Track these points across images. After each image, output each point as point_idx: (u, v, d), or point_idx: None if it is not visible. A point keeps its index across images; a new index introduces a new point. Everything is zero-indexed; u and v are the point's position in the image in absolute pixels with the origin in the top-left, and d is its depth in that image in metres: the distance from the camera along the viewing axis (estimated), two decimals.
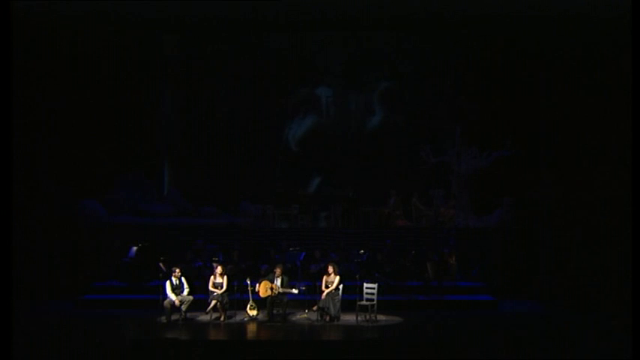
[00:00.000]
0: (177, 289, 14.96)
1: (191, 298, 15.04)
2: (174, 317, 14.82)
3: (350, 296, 15.69)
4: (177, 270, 15.17)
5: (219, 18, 18.91)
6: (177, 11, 17.55)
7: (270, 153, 23.08)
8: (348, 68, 23.04)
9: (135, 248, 17.82)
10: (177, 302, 14.78)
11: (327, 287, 14.98)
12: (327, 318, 14.93)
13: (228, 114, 23.10)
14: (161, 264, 16.61)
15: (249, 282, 15.29)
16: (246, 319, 15.20)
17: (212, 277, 15.29)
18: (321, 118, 23.30)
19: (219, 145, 22.95)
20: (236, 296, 15.70)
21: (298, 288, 15.26)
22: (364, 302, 15.03)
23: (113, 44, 20.73)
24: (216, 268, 15.33)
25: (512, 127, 19.85)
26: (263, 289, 15.02)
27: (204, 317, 15.22)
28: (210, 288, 15.17)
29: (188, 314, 14.95)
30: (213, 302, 15.00)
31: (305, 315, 15.24)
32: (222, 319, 15.03)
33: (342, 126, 23.20)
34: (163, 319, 14.74)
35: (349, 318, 14.99)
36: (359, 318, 14.90)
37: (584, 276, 16.47)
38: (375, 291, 15.14)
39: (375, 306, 14.99)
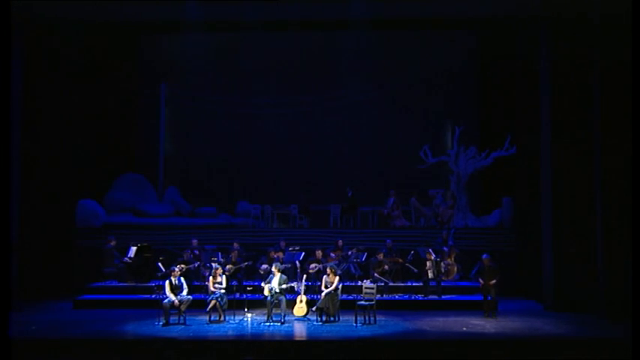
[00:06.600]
0: (176, 289, 14.94)
1: (190, 298, 15.02)
2: (173, 317, 14.80)
3: (349, 296, 15.69)
4: (177, 270, 15.18)
5: (217, 18, 18.87)
6: (176, 12, 17.60)
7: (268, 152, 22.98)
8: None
9: (134, 248, 17.81)
10: (176, 302, 14.76)
11: (326, 287, 14.99)
12: (327, 318, 14.94)
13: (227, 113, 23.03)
14: (160, 264, 16.59)
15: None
16: (246, 318, 15.22)
17: (212, 277, 15.31)
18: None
19: (219, 145, 22.87)
20: (235, 296, 15.70)
21: (297, 286, 15.32)
22: (364, 302, 15.03)
23: (112, 44, 20.71)
24: (217, 268, 15.38)
25: (512, 127, 19.83)
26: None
27: (203, 317, 15.21)
28: (210, 288, 15.18)
29: (187, 314, 14.93)
30: (213, 302, 15.00)
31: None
32: (221, 318, 15.03)
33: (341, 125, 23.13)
34: (162, 319, 14.72)
35: (349, 318, 14.98)
36: (359, 318, 14.89)
37: (585, 276, 16.44)
38: (374, 291, 15.15)
39: (375, 306, 14.99)
